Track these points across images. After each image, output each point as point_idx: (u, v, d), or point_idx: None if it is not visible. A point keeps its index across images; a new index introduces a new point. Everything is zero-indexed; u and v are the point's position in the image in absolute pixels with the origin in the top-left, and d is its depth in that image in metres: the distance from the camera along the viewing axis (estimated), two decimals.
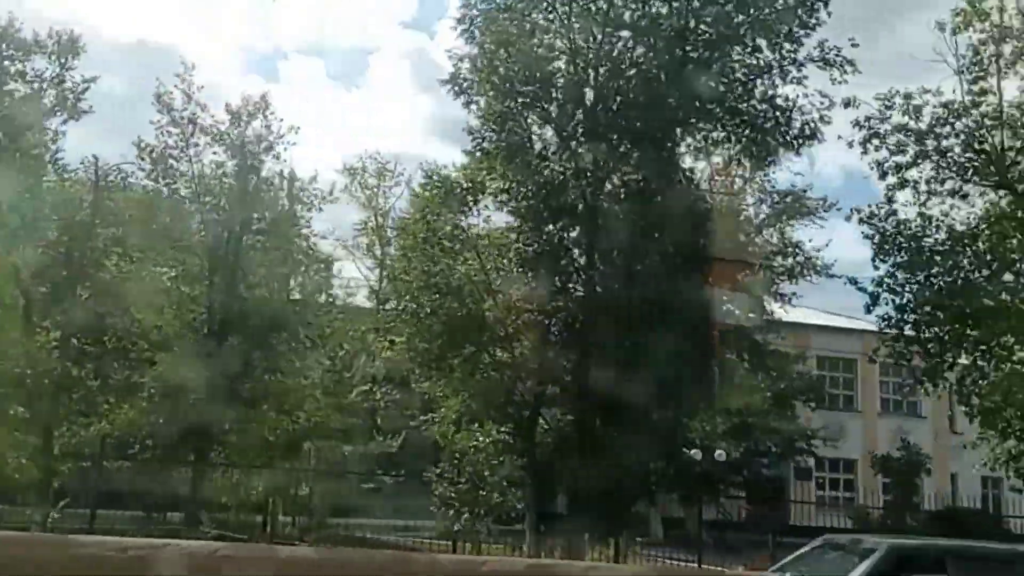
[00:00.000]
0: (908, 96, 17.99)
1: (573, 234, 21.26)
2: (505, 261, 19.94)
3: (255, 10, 77.84)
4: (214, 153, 18.98)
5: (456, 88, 20.77)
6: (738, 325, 33.18)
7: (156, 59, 63.14)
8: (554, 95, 20.11)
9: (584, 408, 19.99)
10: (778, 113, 20.28)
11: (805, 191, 29.92)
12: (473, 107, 20.51)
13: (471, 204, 19.30)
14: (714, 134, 21.26)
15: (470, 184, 18.95)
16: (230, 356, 18.49)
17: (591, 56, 20.42)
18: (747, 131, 20.71)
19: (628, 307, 19.64)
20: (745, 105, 20.56)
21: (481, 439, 17.10)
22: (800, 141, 20.44)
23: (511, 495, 16.02)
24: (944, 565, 9.02)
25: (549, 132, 20.63)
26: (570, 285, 20.53)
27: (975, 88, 17.66)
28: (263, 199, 19.37)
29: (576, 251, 21.20)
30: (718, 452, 26.51)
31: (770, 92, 20.41)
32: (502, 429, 18.02)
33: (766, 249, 33.60)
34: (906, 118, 17.92)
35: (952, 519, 26.50)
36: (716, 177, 34.28)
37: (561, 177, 20.31)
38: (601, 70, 20.42)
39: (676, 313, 20.02)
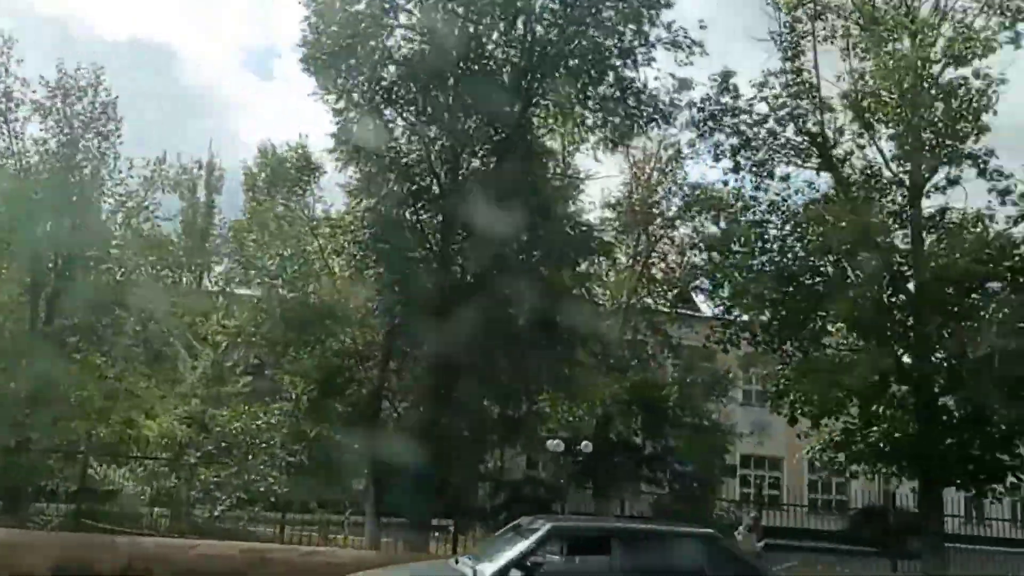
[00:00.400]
0: (727, 75, 17.55)
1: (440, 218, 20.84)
2: (346, 244, 19.42)
3: (250, 7, 77.92)
4: (41, 130, 18.41)
5: (310, 68, 20.23)
6: (645, 317, 32.93)
7: (150, 56, 63.11)
8: (399, 72, 19.50)
9: (426, 396, 19.56)
10: (631, 95, 19.80)
11: (715, 183, 29.57)
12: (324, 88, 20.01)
13: (306, 184, 18.67)
14: (580, 118, 20.82)
15: (304, 163, 18.32)
16: (52, 346, 17.92)
17: (442, 35, 19.87)
18: (601, 113, 20.29)
19: (476, 294, 19.16)
20: (600, 87, 20.07)
21: (247, 421, 16.54)
22: (653, 124, 20.02)
23: (278, 480, 15.48)
24: (608, 544, 9.12)
25: (390, 112, 20.01)
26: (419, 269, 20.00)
27: (788, 67, 17.22)
28: (95, 181, 18.70)
29: (438, 236, 20.75)
30: (584, 443, 26.03)
31: (628, 73, 19.97)
32: (276, 410, 17.50)
33: (684, 242, 33.20)
34: (728, 98, 17.44)
35: (873, 515, 26.39)
36: (635, 169, 34.17)
37: (407, 159, 19.88)
38: (454, 52, 19.90)
39: (529, 302, 19.61)
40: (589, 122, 20.76)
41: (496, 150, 20.09)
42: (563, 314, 19.79)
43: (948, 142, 15.95)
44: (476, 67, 19.99)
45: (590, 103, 20.29)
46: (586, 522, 11.13)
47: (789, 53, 17.12)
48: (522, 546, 8.97)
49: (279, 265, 18.32)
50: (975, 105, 15.68)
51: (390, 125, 19.90)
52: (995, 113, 15.75)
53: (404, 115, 19.72)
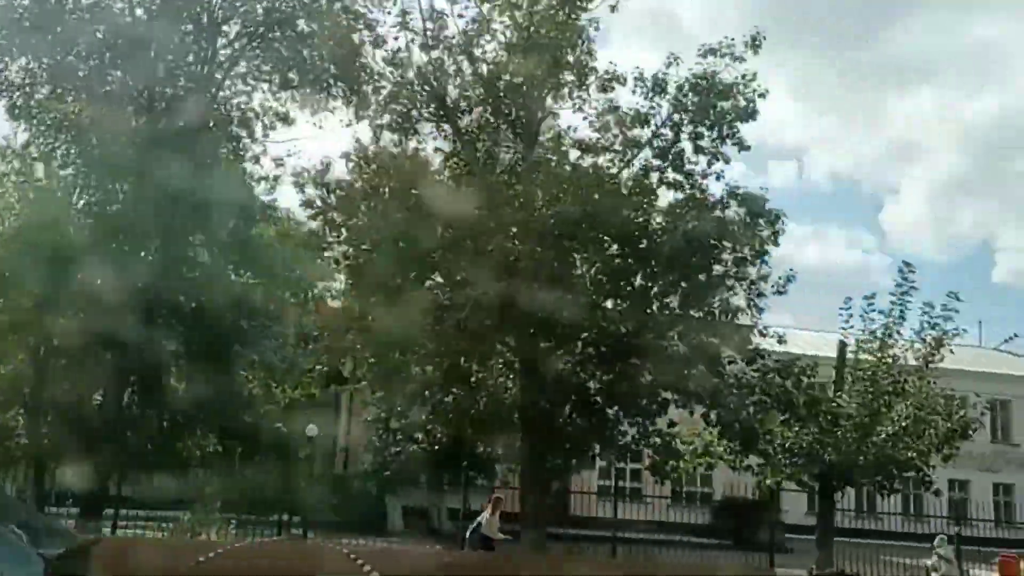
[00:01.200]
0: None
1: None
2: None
3: None
4: None
5: None
6: None
7: None
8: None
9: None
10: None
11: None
12: None
13: None
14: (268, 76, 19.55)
15: None
16: None
17: None
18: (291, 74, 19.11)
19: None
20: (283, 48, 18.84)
21: None
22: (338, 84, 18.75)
23: None
24: None
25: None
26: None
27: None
28: None
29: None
30: (309, 427, 24.49)
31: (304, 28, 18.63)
32: None
33: None
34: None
35: (732, 507, 26.71)
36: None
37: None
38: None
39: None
40: (277, 83, 19.54)
41: (185, 110, 18.85)
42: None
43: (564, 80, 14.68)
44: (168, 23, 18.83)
45: (275, 63, 19.09)
46: None
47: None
48: None
49: None
50: (584, 46, 14.56)
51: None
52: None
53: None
